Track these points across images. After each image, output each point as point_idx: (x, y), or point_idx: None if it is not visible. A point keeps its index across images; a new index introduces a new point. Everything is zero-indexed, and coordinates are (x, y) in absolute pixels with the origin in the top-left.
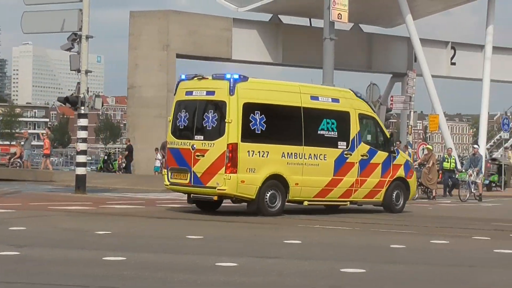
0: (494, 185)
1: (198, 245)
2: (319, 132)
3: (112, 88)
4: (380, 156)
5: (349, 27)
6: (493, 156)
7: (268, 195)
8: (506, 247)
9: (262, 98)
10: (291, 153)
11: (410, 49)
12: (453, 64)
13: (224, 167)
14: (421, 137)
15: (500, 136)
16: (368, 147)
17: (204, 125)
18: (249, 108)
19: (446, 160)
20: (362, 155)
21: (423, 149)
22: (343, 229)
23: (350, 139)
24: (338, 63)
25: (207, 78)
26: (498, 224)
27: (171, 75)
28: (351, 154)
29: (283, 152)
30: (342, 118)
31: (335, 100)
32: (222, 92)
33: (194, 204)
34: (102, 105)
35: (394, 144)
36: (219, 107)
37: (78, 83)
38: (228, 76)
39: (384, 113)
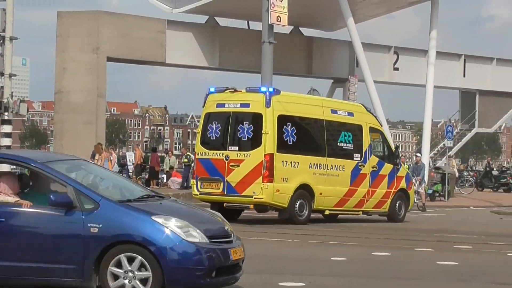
0: (437, 194)
1: None
2: (338, 144)
3: (38, 93)
4: (387, 168)
5: (289, 30)
6: (437, 165)
7: (297, 204)
8: (449, 259)
9: (293, 111)
10: (317, 164)
11: (352, 53)
12: (396, 69)
13: (261, 177)
14: None
15: (444, 144)
16: (377, 159)
17: (239, 136)
18: (282, 120)
19: None
20: (372, 167)
21: None
22: (281, 241)
23: (363, 151)
24: (277, 68)
25: (240, 91)
26: (442, 235)
27: (101, 79)
28: (364, 166)
29: (310, 163)
30: (356, 131)
31: (350, 114)
32: (258, 104)
33: None
34: (28, 111)
35: (399, 157)
36: (255, 119)
37: (2, 87)
38: (263, 89)
39: None
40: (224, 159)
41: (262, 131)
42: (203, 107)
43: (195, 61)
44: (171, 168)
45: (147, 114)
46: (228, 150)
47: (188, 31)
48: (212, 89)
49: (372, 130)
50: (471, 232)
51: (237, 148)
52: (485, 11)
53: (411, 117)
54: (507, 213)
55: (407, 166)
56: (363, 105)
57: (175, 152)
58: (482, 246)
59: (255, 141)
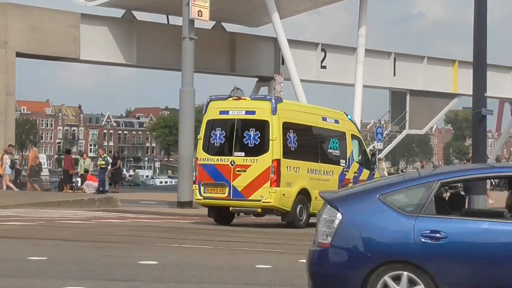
0: None
1: (41, 268)
2: (329, 150)
3: None
4: (365, 173)
5: (211, 26)
6: None
7: (298, 208)
8: None
9: (293, 118)
10: (313, 169)
11: (277, 50)
12: (324, 67)
13: (269, 181)
14: None
15: (374, 146)
16: (357, 165)
17: (245, 143)
18: (286, 127)
19: None
20: (354, 172)
21: None
22: (204, 248)
23: (347, 158)
24: (199, 65)
25: (245, 99)
26: None
27: (10, 76)
28: (348, 172)
29: (308, 168)
30: (341, 138)
31: (336, 121)
32: (264, 111)
33: (212, 218)
34: None
35: (375, 163)
36: (261, 126)
37: None
38: (268, 96)
39: None
40: (230, 164)
41: (270, 138)
42: (204, 114)
43: (111, 58)
44: (86, 171)
45: (60, 114)
46: (234, 156)
47: (103, 25)
48: (213, 97)
49: (353, 137)
50: None
51: (243, 154)
52: (414, 8)
53: None
54: None
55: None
56: (344, 112)
57: (90, 154)
58: None
59: (261, 147)
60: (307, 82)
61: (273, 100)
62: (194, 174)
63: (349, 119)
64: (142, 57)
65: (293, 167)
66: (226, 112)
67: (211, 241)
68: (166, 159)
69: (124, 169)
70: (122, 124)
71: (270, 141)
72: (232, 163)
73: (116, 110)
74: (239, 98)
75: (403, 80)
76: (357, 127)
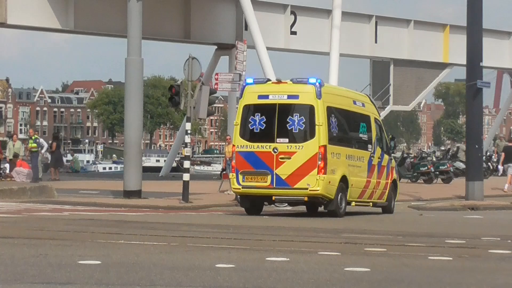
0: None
1: None
2: (359, 135)
3: None
4: (386, 159)
5: None
6: None
7: (339, 196)
8: (359, 265)
9: (334, 102)
10: (350, 155)
11: (239, 14)
12: (294, 33)
13: (316, 169)
14: None
15: None
16: (380, 150)
17: (289, 128)
18: (329, 112)
19: None
20: (378, 158)
21: None
22: (155, 245)
23: (373, 142)
24: (148, 31)
25: (286, 82)
26: (350, 236)
27: None
28: (373, 157)
29: (346, 154)
30: (368, 122)
31: (363, 104)
32: (308, 96)
33: (243, 207)
34: None
35: (394, 147)
36: (306, 111)
37: None
38: (312, 80)
39: (207, 96)
40: (272, 151)
41: (316, 123)
42: (240, 98)
43: (44, 22)
44: (16, 155)
45: None
46: (277, 143)
47: None
48: (250, 80)
49: (375, 121)
50: (385, 232)
51: (287, 140)
52: None
53: None
54: (427, 208)
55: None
56: (367, 95)
57: (21, 136)
58: (398, 249)
59: (307, 133)
60: (274, 50)
61: (317, 84)
62: (232, 162)
63: (371, 101)
64: (81, 22)
65: (336, 154)
66: (266, 97)
67: (163, 236)
68: (110, 141)
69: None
70: (57, 100)
71: (316, 127)
72: (275, 150)
73: (50, 84)
74: (279, 82)
75: (386, 47)
76: (377, 110)
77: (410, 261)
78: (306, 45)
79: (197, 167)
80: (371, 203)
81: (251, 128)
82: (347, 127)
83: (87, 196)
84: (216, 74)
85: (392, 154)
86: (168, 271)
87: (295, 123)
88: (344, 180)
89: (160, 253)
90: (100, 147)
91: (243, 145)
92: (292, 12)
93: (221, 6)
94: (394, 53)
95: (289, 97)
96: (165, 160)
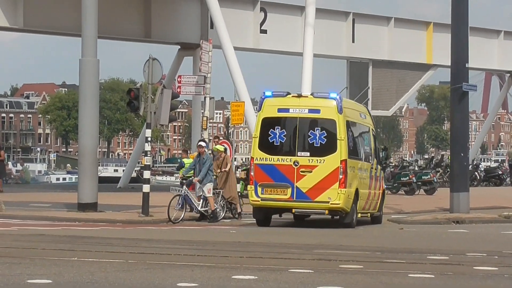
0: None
1: None
2: (365, 147)
3: None
4: (379, 169)
5: None
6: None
7: (353, 208)
8: (333, 283)
9: (349, 116)
10: (360, 168)
11: (204, 11)
12: (264, 32)
13: (337, 183)
14: (222, 133)
15: None
16: (376, 161)
17: (311, 142)
18: (347, 126)
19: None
20: (375, 169)
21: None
22: (111, 263)
23: (372, 154)
24: (105, 30)
25: (306, 96)
26: (324, 252)
27: None
28: (373, 168)
29: (358, 167)
30: (368, 134)
31: (365, 116)
32: (330, 110)
33: (255, 219)
34: None
35: (387, 158)
36: (327, 125)
37: None
38: (333, 95)
39: (169, 100)
40: (293, 164)
41: (337, 137)
42: (258, 111)
43: None
44: None
45: None
46: (298, 156)
47: None
48: (269, 93)
49: (372, 132)
50: (362, 247)
51: (308, 154)
52: None
53: None
54: (408, 221)
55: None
56: (365, 106)
57: None
58: (376, 265)
59: (328, 147)
60: (242, 51)
61: (338, 99)
62: (250, 174)
63: (369, 113)
64: (31, 19)
65: (352, 167)
66: (286, 110)
67: (120, 253)
68: (63, 150)
69: (10, 163)
70: (6, 105)
71: (338, 141)
72: (296, 163)
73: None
74: (300, 96)
75: (364, 47)
76: (373, 121)
77: (389, 279)
78: (277, 45)
79: (158, 178)
80: (369, 214)
81: (271, 141)
82: (358, 140)
83: (38, 209)
84: (179, 76)
85: (385, 165)
86: None
87: (317, 137)
88: (356, 192)
89: (117, 271)
90: (52, 156)
91: (263, 158)
92: (262, 9)
93: (184, 3)
94: (373, 54)
95: (310, 111)
96: (123, 170)
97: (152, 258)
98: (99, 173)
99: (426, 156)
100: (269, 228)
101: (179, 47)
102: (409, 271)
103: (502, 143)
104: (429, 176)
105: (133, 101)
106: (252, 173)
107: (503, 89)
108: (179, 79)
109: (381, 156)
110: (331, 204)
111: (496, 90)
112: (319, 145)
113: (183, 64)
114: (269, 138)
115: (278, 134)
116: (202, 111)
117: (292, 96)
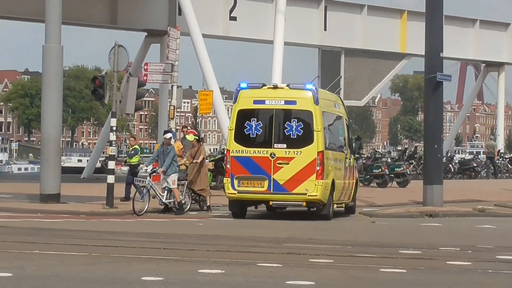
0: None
1: None
2: (339, 137)
3: None
4: (352, 159)
5: None
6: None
7: (329, 199)
8: (303, 278)
9: (326, 107)
10: (335, 158)
11: None
12: (233, 18)
13: (315, 174)
14: (190, 122)
15: None
16: (349, 150)
17: (287, 134)
18: (324, 117)
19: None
20: (349, 159)
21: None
22: (74, 256)
23: (346, 144)
24: (69, 16)
25: (282, 88)
26: (293, 246)
27: None
28: (347, 158)
29: (334, 158)
30: (342, 124)
31: (338, 106)
32: (306, 101)
33: (231, 212)
34: None
35: (360, 148)
36: (304, 116)
37: None
38: (309, 86)
39: (136, 89)
40: (270, 156)
41: (314, 129)
42: (234, 103)
43: None
44: None
45: None
46: (274, 148)
47: None
48: (244, 85)
49: (345, 121)
50: (332, 241)
51: (285, 145)
52: None
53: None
54: (380, 215)
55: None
56: (338, 95)
57: None
58: (346, 260)
59: (305, 139)
60: (211, 38)
61: (314, 90)
62: (226, 167)
63: (342, 102)
64: None
65: (328, 158)
66: (262, 102)
67: (84, 246)
68: (26, 139)
69: None
70: None
71: (315, 132)
72: (273, 155)
73: None
74: (276, 87)
75: (336, 35)
76: (346, 110)
77: (360, 273)
78: (247, 32)
79: (124, 168)
80: (343, 204)
81: (246, 133)
82: (333, 131)
83: None
84: (146, 64)
85: (358, 155)
86: (88, 285)
87: (293, 129)
88: (333, 183)
89: (80, 264)
90: (14, 145)
91: (239, 150)
92: None
93: None
94: (345, 42)
95: (286, 102)
96: (87, 160)
97: (116, 251)
98: (62, 163)
99: (399, 148)
100: (239, 221)
101: (146, 34)
102: (381, 265)
103: (477, 135)
104: (402, 168)
105: (98, 89)
106: (228, 166)
107: (479, 80)
108: (145, 67)
109: (353, 146)
110: (308, 196)
111: (471, 81)
112: (295, 136)
113: (150, 52)
114: (245, 130)
115: (254, 126)
116: (169, 100)
117: (268, 88)
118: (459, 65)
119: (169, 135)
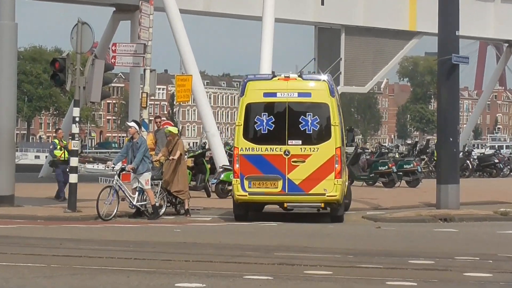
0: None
1: None
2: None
3: None
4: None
5: None
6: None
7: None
8: None
9: (338, 98)
10: (345, 154)
11: None
12: None
13: (333, 172)
14: (166, 112)
15: None
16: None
17: (302, 129)
18: (338, 109)
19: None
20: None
21: (164, 132)
22: (30, 267)
23: (343, 137)
24: None
25: (294, 78)
26: (286, 255)
27: None
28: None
29: (345, 154)
30: (341, 115)
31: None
32: (322, 93)
33: (234, 214)
34: None
35: (354, 139)
36: (320, 110)
37: None
38: (323, 77)
39: (102, 73)
40: (284, 154)
41: (332, 123)
42: (241, 96)
43: None
44: None
45: None
46: (288, 145)
47: None
48: (252, 76)
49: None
50: (331, 250)
51: (300, 142)
52: None
53: (241, 70)
54: (387, 219)
55: (151, 138)
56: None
57: None
58: (347, 271)
59: (322, 134)
60: (190, 14)
61: (329, 80)
62: (235, 166)
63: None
64: None
65: (343, 154)
66: (273, 95)
67: (42, 256)
68: None
69: None
70: None
71: (332, 127)
72: (287, 152)
73: None
74: (287, 78)
75: (335, 11)
76: (338, 95)
77: (362, 287)
78: (231, 8)
79: (88, 166)
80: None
81: (257, 129)
82: (343, 124)
83: None
84: (114, 44)
85: (349, 148)
86: None
87: (309, 124)
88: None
89: (37, 277)
90: None
91: (248, 148)
92: None
93: None
94: (345, 19)
95: (300, 94)
96: (46, 157)
97: (79, 262)
98: (17, 160)
99: (409, 141)
100: (222, 226)
101: (114, 9)
102: (387, 277)
103: (499, 126)
104: (412, 165)
105: (58, 73)
106: (237, 165)
107: (500, 62)
108: (113, 48)
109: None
110: (327, 196)
111: (492, 63)
112: (311, 132)
113: (118, 30)
114: (255, 126)
115: (265, 121)
116: (142, 86)
117: (279, 79)
118: (478, 45)
119: (132, 123)
